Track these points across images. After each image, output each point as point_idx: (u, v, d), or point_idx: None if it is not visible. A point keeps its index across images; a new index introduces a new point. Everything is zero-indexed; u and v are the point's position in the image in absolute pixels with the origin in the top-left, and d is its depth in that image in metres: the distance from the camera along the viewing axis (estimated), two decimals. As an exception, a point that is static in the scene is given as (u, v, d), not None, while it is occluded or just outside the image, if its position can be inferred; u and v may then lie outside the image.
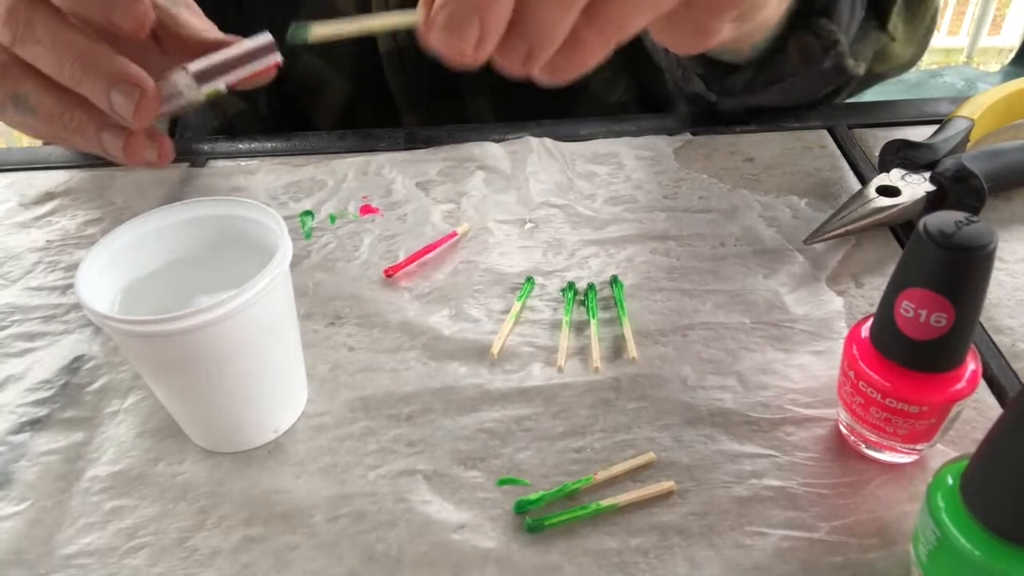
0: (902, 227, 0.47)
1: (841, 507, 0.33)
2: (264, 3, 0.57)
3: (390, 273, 0.46)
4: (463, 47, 0.30)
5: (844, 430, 0.35)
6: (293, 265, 0.35)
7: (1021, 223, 0.47)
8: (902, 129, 0.55)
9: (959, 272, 0.27)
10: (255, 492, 0.35)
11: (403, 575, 0.31)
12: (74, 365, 0.41)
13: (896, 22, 0.54)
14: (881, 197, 0.45)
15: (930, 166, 0.46)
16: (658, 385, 0.38)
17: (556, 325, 0.42)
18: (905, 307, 0.29)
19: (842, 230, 0.44)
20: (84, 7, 0.40)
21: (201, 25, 0.48)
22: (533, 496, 0.33)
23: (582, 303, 0.43)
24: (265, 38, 0.45)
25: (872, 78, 0.56)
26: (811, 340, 0.40)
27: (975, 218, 0.27)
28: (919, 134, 0.50)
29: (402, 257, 0.47)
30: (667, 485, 0.33)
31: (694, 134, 0.56)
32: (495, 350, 0.40)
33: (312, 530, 0.33)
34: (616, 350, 0.40)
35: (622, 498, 0.33)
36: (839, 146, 0.54)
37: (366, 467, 0.35)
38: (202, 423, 0.36)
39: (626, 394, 0.38)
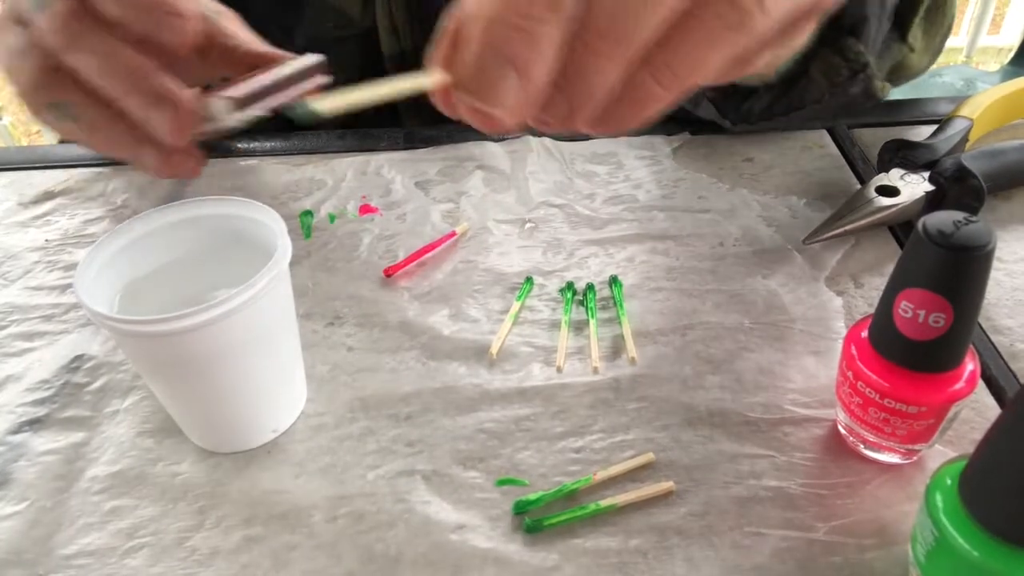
0: (901, 227, 0.47)
1: (839, 507, 0.33)
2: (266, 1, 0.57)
3: (389, 273, 0.46)
4: (496, 114, 0.25)
5: (843, 430, 0.35)
6: (292, 265, 0.35)
7: (1020, 223, 0.47)
8: (901, 129, 0.55)
9: (958, 272, 0.27)
10: (254, 492, 0.35)
11: (402, 575, 0.31)
12: (74, 365, 0.41)
13: (916, 32, 0.51)
14: (880, 197, 0.45)
15: (929, 166, 0.46)
16: (657, 385, 0.38)
17: (555, 325, 0.42)
18: (904, 307, 0.29)
19: (841, 230, 0.44)
20: (133, 20, 0.41)
21: (247, 37, 0.48)
22: (532, 496, 0.33)
23: (581, 303, 0.43)
24: (313, 58, 0.45)
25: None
26: (810, 340, 0.40)
27: (974, 218, 0.27)
28: (918, 134, 0.50)
29: (401, 257, 0.47)
30: (666, 485, 0.34)
31: (693, 134, 0.56)
32: (494, 350, 0.40)
33: (311, 530, 0.33)
34: (615, 350, 0.40)
35: (621, 498, 0.33)
36: (838, 146, 0.54)
37: (365, 467, 0.35)
38: (201, 423, 0.36)
39: (625, 394, 0.38)
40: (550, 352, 0.40)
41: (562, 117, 0.26)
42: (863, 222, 0.44)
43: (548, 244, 0.47)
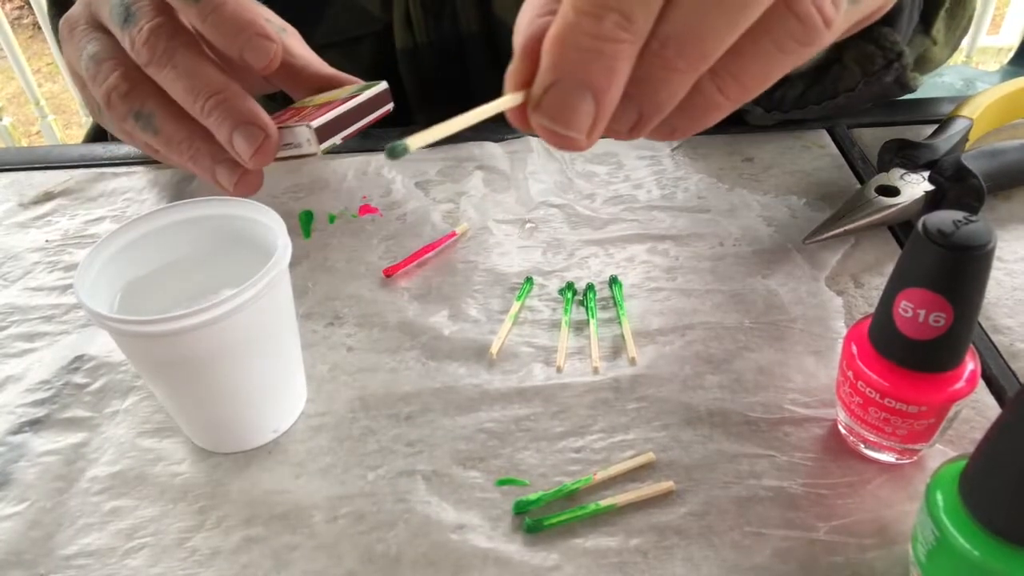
0: (901, 227, 0.47)
1: (840, 507, 0.33)
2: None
3: (389, 273, 0.46)
4: (573, 136, 0.25)
5: (843, 430, 0.35)
6: (293, 265, 0.35)
7: (1020, 222, 0.47)
8: (901, 129, 0.55)
9: (958, 272, 0.27)
10: (255, 492, 0.35)
11: (402, 575, 0.31)
12: (74, 366, 0.41)
13: (939, 26, 0.51)
14: (880, 197, 0.45)
15: (929, 166, 0.46)
16: (657, 385, 0.38)
17: (555, 325, 0.42)
18: (904, 307, 0.29)
19: (841, 230, 0.44)
20: (221, 39, 0.42)
21: (311, 57, 0.49)
22: (532, 496, 0.33)
23: (581, 303, 0.43)
24: (380, 87, 0.46)
25: None
26: (810, 340, 0.40)
27: (974, 217, 0.27)
28: (918, 134, 0.50)
29: (401, 257, 0.47)
30: (666, 485, 0.34)
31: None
32: (494, 350, 0.40)
33: (312, 530, 0.33)
34: (615, 350, 0.40)
35: (621, 498, 0.33)
36: (838, 146, 0.54)
37: (365, 467, 0.35)
38: (201, 423, 0.36)
39: (625, 394, 0.38)
40: (550, 352, 0.40)
41: (629, 127, 0.26)
42: (863, 222, 0.44)
43: (548, 244, 0.47)
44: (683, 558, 0.31)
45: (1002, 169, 0.46)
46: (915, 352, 0.30)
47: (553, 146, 0.26)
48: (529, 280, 0.44)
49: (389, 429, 0.37)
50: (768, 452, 0.35)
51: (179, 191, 0.54)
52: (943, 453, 0.34)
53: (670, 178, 0.52)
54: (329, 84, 0.49)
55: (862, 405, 0.32)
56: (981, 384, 0.37)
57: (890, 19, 0.46)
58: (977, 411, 0.36)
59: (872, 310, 0.32)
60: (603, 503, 0.33)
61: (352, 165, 0.55)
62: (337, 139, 0.44)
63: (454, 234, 0.48)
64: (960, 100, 0.52)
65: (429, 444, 0.36)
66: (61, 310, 0.45)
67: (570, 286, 0.44)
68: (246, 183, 0.44)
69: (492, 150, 0.55)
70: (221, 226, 0.37)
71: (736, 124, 0.56)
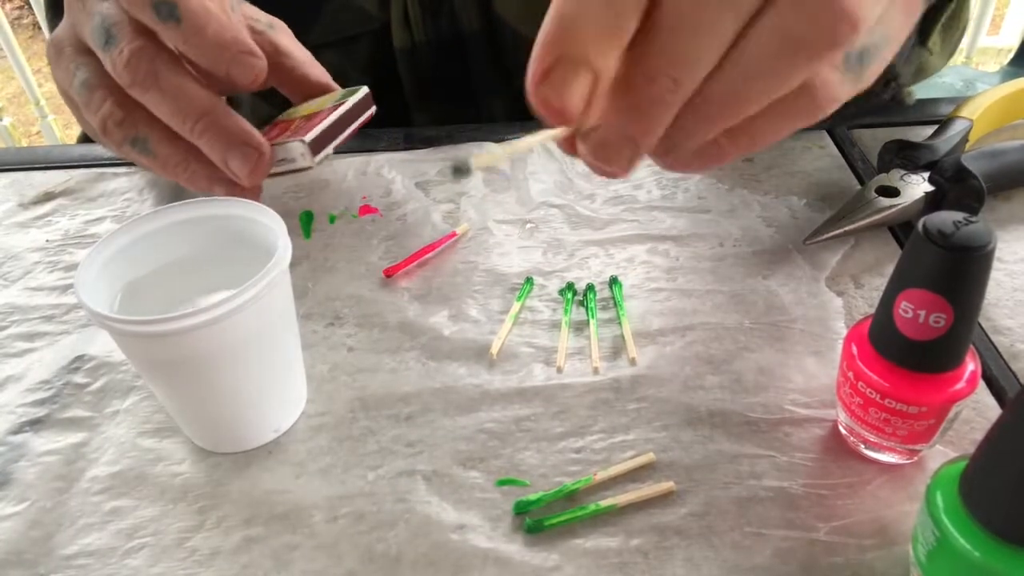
0: (901, 227, 0.47)
1: (840, 508, 0.33)
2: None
3: (390, 273, 0.46)
4: (613, 172, 0.29)
5: (843, 431, 0.35)
6: (293, 265, 0.35)
7: (1020, 223, 0.47)
8: (901, 129, 0.55)
9: (958, 272, 0.27)
10: (255, 492, 0.35)
11: (403, 575, 0.31)
12: (74, 365, 0.41)
13: (936, 38, 0.52)
14: (880, 197, 0.45)
15: (929, 166, 0.46)
16: (657, 385, 0.38)
17: (555, 325, 0.42)
18: (904, 307, 0.29)
19: (841, 230, 0.44)
20: (205, 60, 0.42)
21: (300, 54, 0.49)
22: (533, 496, 0.33)
23: (581, 303, 0.43)
24: (362, 92, 0.47)
25: None
26: (810, 340, 0.40)
27: (974, 218, 0.27)
28: (918, 134, 0.50)
29: (402, 257, 0.47)
30: (666, 486, 0.34)
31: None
32: (494, 350, 0.40)
33: (312, 530, 0.33)
34: (615, 350, 0.40)
35: (621, 499, 0.33)
36: (838, 146, 0.54)
37: (366, 467, 0.35)
38: (202, 423, 0.36)
39: (625, 394, 0.38)
40: (550, 352, 0.40)
41: (655, 159, 0.30)
42: (863, 222, 0.44)
43: (548, 244, 0.47)
44: (683, 558, 0.31)
45: (1002, 170, 0.46)
46: (915, 353, 0.30)
47: (595, 172, 0.29)
48: (529, 280, 0.44)
49: (389, 429, 0.37)
50: (768, 452, 0.35)
51: (179, 191, 0.53)
52: (943, 454, 0.34)
53: (670, 179, 0.52)
54: (316, 88, 0.49)
55: (862, 406, 0.32)
56: (981, 385, 0.37)
57: None
58: (977, 412, 0.36)
59: (872, 311, 0.32)
60: (603, 503, 0.33)
61: (352, 165, 0.55)
62: (329, 149, 0.45)
63: (454, 234, 0.48)
64: (960, 101, 0.52)
65: (429, 444, 0.36)
66: (61, 310, 0.45)
67: (570, 286, 0.44)
68: (246, 198, 0.44)
69: (492, 150, 0.55)
70: (221, 226, 0.37)
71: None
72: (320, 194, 0.52)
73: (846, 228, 0.44)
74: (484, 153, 0.27)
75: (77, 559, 0.33)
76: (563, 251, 0.47)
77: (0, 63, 2.21)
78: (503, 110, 0.63)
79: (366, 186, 0.53)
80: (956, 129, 0.49)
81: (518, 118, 0.60)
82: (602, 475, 0.34)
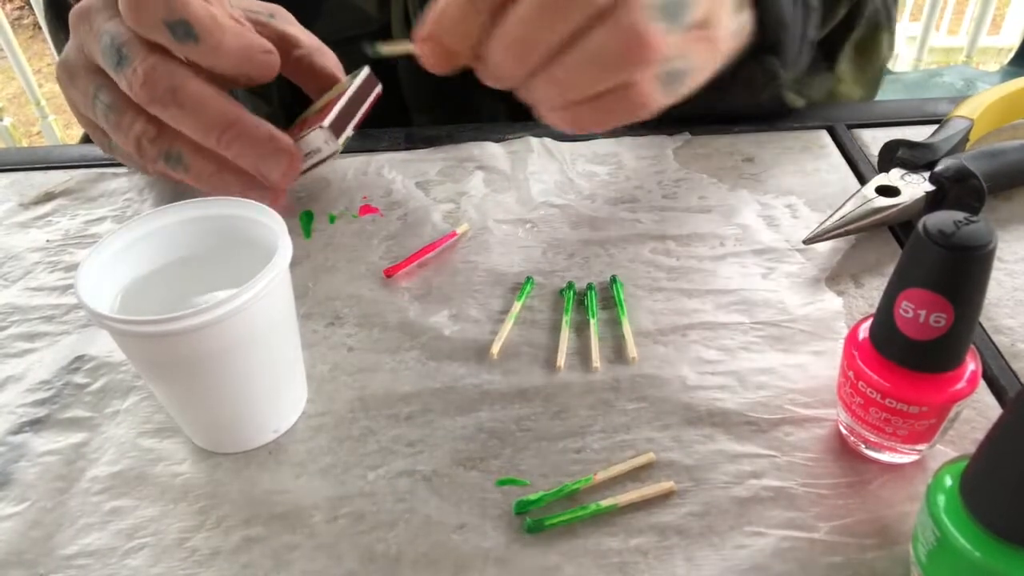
0: (902, 227, 0.47)
1: (841, 507, 0.33)
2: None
3: (390, 273, 0.46)
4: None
5: (844, 430, 0.35)
6: (293, 265, 0.35)
7: (1021, 223, 0.47)
8: (901, 129, 0.55)
9: (959, 272, 0.27)
10: (255, 492, 0.35)
11: (403, 575, 0.31)
12: (74, 365, 0.41)
13: (846, 66, 0.56)
14: (880, 197, 0.45)
15: (929, 166, 0.46)
16: (658, 385, 0.38)
17: (556, 325, 0.42)
18: (905, 307, 0.29)
19: (841, 230, 0.44)
20: (226, 69, 0.42)
21: (306, 39, 0.50)
22: (533, 496, 0.33)
23: (582, 303, 0.43)
24: (364, 72, 0.48)
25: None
26: (810, 340, 0.40)
27: (975, 218, 0.27)
28: (918, 134, 0.50)
29: (402, 257, 0.47)
30: (667, 485, 0.34)
31: (693, 134, 0.56)
32: (495, 350, 0.40)
33: (312, 530, 0.33)
34: (616, 350, 0.40)
35: (622, 498, 0.33)
36: (838, 146, 0.54)
37: (366, 467, 0.35)
38: (202, 423, 0.36)
39: (626, 394, 0.38)
40: (550, 352, 0.40)
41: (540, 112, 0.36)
42: (863, 222, 0.44)
43: (549, 244, 0.47)
44: (684, 558, 0.31)
45: (1002, 169, 0.46)
46: (916, 352, 0.30)
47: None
48: (529, 280, 0.44)
49: (389, 429, 0.37)
50: (769, 452, 0.35)
51: (179, 191, 0.53)
52: (944, 453, 0.34)
53: (671, 178, 0.52)
54: (326, 77, 0.50)
55: (863, 405, 0.32)
56: (982, 384, 0.37)
57: (774, 50, 0.48)
58: (978, 411, 0.36)
59: (872, 310, 0.32)
60: (604, 503, 0.33)
61: (352, 165, 0.55)
62: (349, 131, 0.46)
63: (454, 234, 0.48)
64: (960, 100, 0.52)
65: (429, 444, 0.36)
66: (62, 310, 0.45)
67: (571, 286, 0.44)
68: (279, 202, 0.45)
69: (492, 150, 0.55)
70: (221, 226, 0.37)
71: (734, 123, 0.56)
72: (320, 194, 0.52)
73: (846, 228, 0.44)
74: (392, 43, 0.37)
75: (77, 559, 0.33)
76: (563, 251, 0.47)
77: (0, 63, 2.21)
78: (503, 110, 0.63)
79: (366, 186, 0.53)
80: (956, 128, 0.49)
81: (518, 118, 0.60)
82: (602, 475, 0.34)
